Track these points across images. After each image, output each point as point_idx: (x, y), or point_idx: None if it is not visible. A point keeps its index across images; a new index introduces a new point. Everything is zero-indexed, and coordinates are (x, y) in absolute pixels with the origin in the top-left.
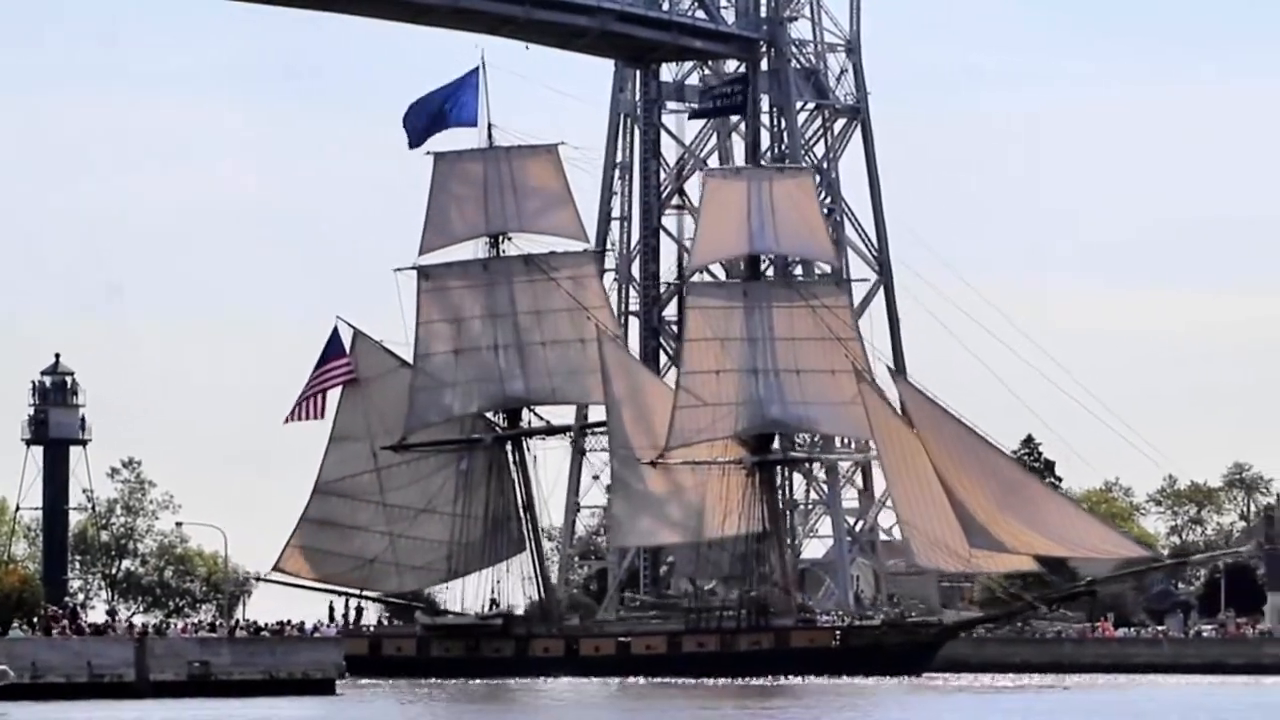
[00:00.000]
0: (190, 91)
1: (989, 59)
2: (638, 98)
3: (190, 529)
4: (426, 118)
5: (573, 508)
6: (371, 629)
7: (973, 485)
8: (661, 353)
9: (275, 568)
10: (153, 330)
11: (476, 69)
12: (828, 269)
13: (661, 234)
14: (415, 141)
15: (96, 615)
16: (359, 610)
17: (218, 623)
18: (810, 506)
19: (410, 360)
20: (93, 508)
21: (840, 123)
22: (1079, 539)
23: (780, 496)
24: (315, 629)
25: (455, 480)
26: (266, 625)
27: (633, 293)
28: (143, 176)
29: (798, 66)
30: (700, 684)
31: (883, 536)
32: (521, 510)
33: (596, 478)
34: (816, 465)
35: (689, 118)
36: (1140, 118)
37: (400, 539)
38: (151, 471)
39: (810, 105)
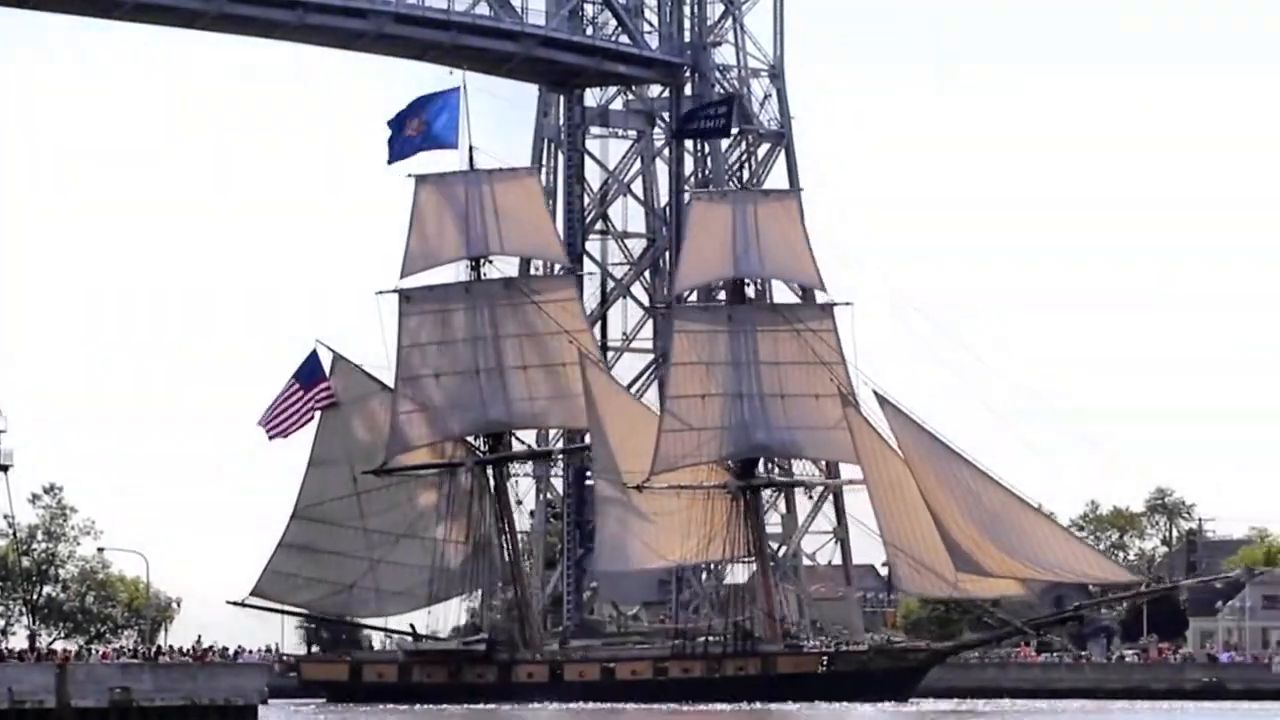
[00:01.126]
0: (163, 112)
1: (916, 83)
2: (562, 122)
3: (112, 555)
4: (403, 134)
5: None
6: (351, 655)
7: (959, 510)
8: None
9: (253, 593)
10: (81, 354)
11: (456, 90)
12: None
13: (585, 259)
14: (394, 157)
15: (18, 641)
16: (335, 635)
17: (141, 649)
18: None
19: (390, 383)
20: (14, 533)
21: (764, 147)
22: (1065, 564)
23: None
24: (236, 655)
25: (436, 505)
26: (190, 649)
27: None
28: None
29: (721, 91)
30: (686, 710)
31: (805, 561)
32: (502, 535)
33: (520, 503)
34: None
35: (673, 138)
36: (1066, 132)
37: (380, 564)
38: (73, 497)
39: (734, 130)
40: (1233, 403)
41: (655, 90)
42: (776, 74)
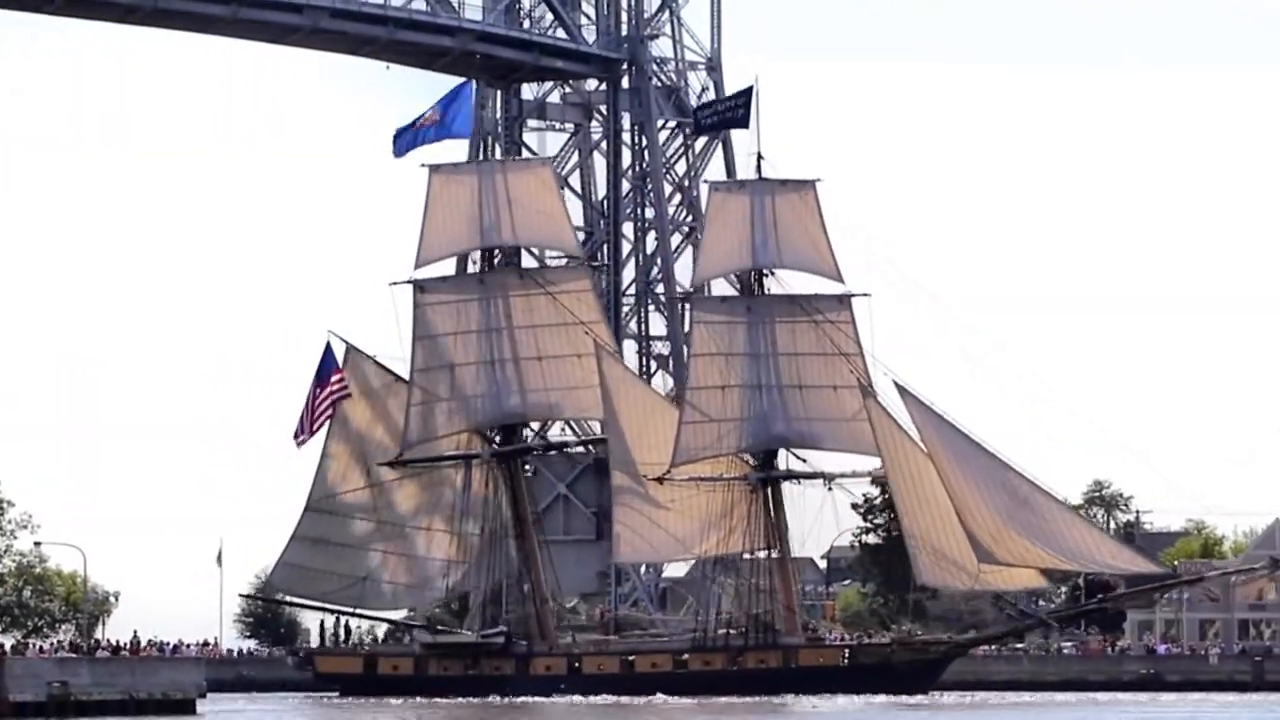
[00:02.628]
0: (174, 109)
1: (853, 75)
2: (499, 115)
3: (49, 548)
4: (415, 127)
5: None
6: (366, 647)
7: (982, 500)
8: None
9: (266, 585)
10: (43, 354)
11: (469, 83)
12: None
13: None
14: (402, 150)
15: None
16: (347, 629)
17: (81, 643)
18: None
19: (404, 375)
20: None
21: (701, 140)
22: (1088, 554)
23: None
24: (175, 649)
25: (452, 497)
26: (127, 643)
27: None
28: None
29: (658, 84)
30: (707, 702)
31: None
32: (518, 527)
33: None
34: None
35: (692, 132)
36: (1009, 120)
37: (395, 556)
38: (9, 491)
39: (671, 123)
40: (1175, 397)
41: (592, 83)
42: (714, 67)
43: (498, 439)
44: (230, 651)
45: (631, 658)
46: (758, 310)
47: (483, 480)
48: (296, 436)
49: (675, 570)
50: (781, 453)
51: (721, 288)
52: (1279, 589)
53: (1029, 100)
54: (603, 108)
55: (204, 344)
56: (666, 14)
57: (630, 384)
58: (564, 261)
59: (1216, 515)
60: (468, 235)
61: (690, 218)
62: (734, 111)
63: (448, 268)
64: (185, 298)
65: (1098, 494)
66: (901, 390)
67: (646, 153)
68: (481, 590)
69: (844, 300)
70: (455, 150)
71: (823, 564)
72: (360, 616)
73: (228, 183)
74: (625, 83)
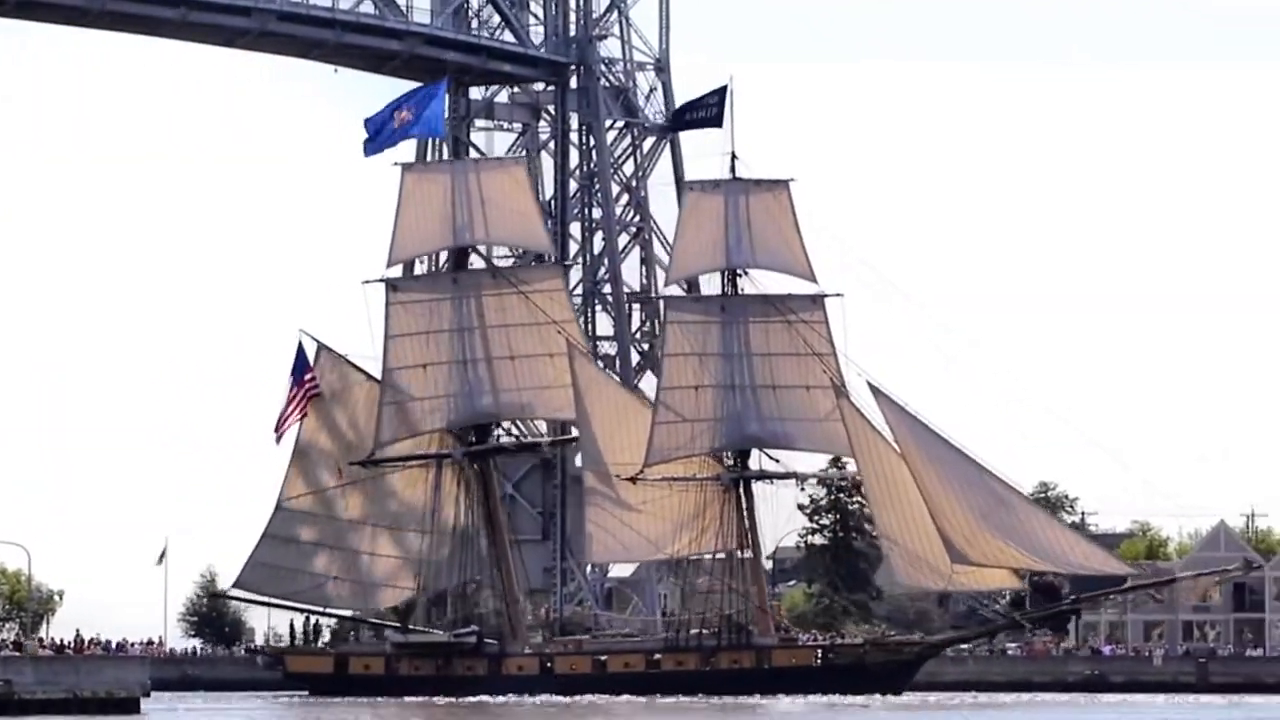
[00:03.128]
0: (125, 114)
1: (802, 75)
2: (446, 115)
3: None
4: (386, 126)
5: None
6: (336, 647)
7: (955, 500)
8: None
9: (235, 584)
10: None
11: (442, 83)
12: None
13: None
14: (371, 150)
15: None
16: (316, 628)
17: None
18: None
19: (375, 374)
20: None
21: (649, 141)
22: (1062, 555)
23: None
24: (120, 647)
25: (422, 496)
26: (73, 641)
27: None
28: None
29: (607, 85)
30: (680, 702)
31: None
32: (489, 527)
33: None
34: None
35: (669, 128)
36: (979, 118)
37: (364, 556)
38: None
39: (619, 123)
40: (1150, 396)
41: (540, 85)
42: (662, 67)
43: (472, 438)
44: (174, 650)
45: (604, 658)
46: (731, 310)
47: (453, 480)
48: (275, 432)
49: (621, 570)
50: (754, 453)
51: (673, 289)
52: (1223, 591)
53: (998, 98)
54: (550, 108)
55: (160, 344)
56: (615, 14)
57: (602, 384)
58: (512, 261)
59: (1162, 516)
60: (440, 234)
61: (637, 218)
62: (708, 110)
63: (420, 266)
64: (142, 299)
65: (1044, 495)
66: (875, 390)
67: (594, 153)
68: (431, 591)
69: (817, 300)
70: (404, 150)
71: (768, 564)
72: (330, 616)
73: (183, 186)
74: (573, 83)
